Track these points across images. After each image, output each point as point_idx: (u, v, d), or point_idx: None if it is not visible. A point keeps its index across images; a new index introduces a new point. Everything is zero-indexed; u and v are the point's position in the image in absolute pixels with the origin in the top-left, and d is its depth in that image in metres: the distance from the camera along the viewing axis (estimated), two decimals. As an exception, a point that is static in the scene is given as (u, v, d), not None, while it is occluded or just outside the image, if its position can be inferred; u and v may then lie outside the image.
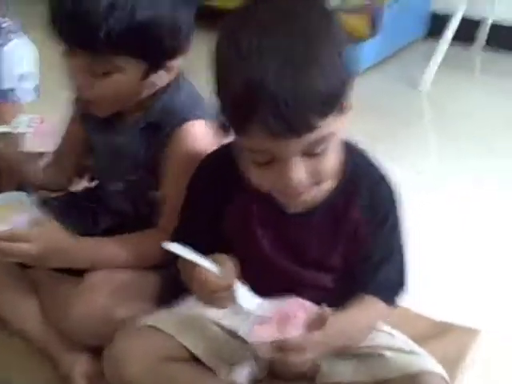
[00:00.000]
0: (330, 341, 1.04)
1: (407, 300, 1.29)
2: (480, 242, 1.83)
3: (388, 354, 1.13)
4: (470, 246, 1.81)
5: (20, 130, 1.50)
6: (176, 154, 1.29)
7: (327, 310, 1.03)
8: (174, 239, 1.18)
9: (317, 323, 1.02)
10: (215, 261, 1.04)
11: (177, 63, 1.27)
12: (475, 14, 3.04)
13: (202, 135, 1.29)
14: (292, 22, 0.96)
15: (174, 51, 1.25)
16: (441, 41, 2.83)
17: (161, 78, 1.28)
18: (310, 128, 0.94)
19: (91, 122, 1.40)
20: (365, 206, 1.13)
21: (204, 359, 1.15)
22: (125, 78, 1.23)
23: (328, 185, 1.09)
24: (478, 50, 3.13)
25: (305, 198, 1.05)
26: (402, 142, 2.39)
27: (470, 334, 1.44)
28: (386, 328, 1.23)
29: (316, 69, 0.93)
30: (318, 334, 1.01)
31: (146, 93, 1.30)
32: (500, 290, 1.63)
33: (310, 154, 0.98)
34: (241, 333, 1.13)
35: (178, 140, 1.29)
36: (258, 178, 1.04)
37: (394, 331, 1.22)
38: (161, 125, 1.31)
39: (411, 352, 1.14)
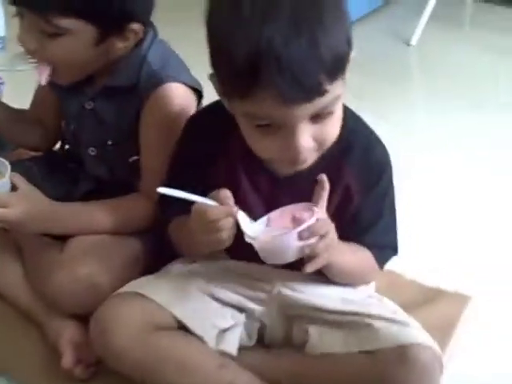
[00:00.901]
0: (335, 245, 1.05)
1: (398, 266, 1.30)
2: (471, 205, 1.81)
3: (378, 324, 1.11)
4: (461, 210, 1.79)
5: None
6: (153, 118, 1.27)
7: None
8: (163, 202, 1.19)
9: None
10: (211, 198, 1.03)
11: (135, 31, 1.23)
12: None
13: (177, 98, 1.27)
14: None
15: (125, 16, 1.20)
16: None
17: (117, 45, 1.24)
18: (322, 92, 0.93)
19: (59, 88, 1.37)
20: (357, 168, 1.13)
21: (192, 328, 1.14)
22: (75, 42, 1.20)
23: None
24: (469, 3, 3.08)
25: (306, 165, 1.04)
26: (389, 99, 2.36)
27: (461, 299, 1.43)
28: (377, 295, 1.22)
29: (324, 30, 0.92)
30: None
31: (104, 59, 1.26)
32: (490, 256, 1.61)
33: (316, 119, 0.97)
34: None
35: (154, 104, 1.26)
36: (260, 145, 1.02)
37: (384, 299, 1.21)
38: (133, 88, 1.28)
39: (401, 322, 1.12)
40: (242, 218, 1.02)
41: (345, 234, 1.10)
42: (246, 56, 0.91)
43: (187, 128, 1.21)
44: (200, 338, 1.13)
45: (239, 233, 1.04)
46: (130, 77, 1.28)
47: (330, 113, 0.99)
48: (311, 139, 0.99)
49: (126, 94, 1.28)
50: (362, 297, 1.20)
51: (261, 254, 1.03)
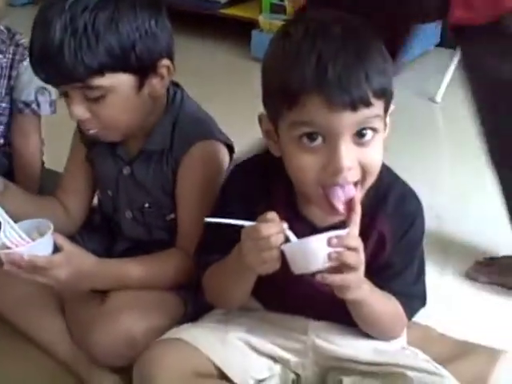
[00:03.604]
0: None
1: (431, 320, 1.31)
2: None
3: (411, 374, 1.13)
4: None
5: None
6: (188, 177, 1.33)
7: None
8: (201, 252, 1.23)
9: None
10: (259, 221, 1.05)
11: (166, 66, 1.29)
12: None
13: (210, 155, 1.33)
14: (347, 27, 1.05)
15: (152, 55, 1.26)
16: (453, 52, 2.75)
17: (156, 86, 1.29)
18: (366, 102, 1.00)
19: (96, 154, 1.42)
20: (391, 217, 1.16)
21: (232, 377, 1.16)
22: (119, 96, 1.25)
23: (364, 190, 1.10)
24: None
25: (347, 197, 1.06)
26: (413, 154, 2.38)
27: (494, 354, 1.43)
28: (410, 348, 1.24)
29: (373, 56, 1.03)
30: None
31: (151, 105, 1.31)
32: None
33: (359, 140, 1.02)
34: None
35: (188, 164, 1.32)
36: (302, 164, 1.04)
37: (417, 351, 1.23)
38: (168, 150, 1.33)
39: (434, 373, 1.14)
40: (291, 234, 1.05)
41: (376, 281, 1.12)
42: (296, 68, 1.00)
43: (229, 180, 1.25)
44: None
45: (278, 281, 1.06)
46: (164, 140, 1.33)
47: (373, 130, 1.03)
48: (355, 159, 1.02)
49: (162, 157, 1.34)
50: (394, 348, 1.22)
51: (290, 262, 1.03)
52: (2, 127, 1.84)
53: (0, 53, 1.77)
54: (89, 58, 1.19)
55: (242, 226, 1.06)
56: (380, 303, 1.15)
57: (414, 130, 2.58)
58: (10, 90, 1.77)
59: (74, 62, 1.18)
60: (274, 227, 1.03)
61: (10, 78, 1.77)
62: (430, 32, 3.24)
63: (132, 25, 1.22)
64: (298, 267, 1.03)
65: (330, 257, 1.00)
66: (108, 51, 1.20)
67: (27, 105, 1.77)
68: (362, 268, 1.04)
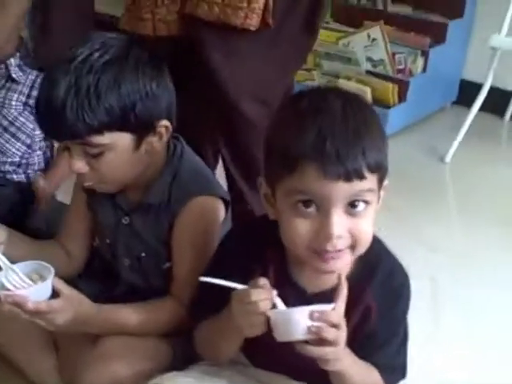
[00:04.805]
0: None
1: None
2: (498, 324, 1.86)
3: None
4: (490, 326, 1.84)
5: None
6: (184, 230, 1.38)
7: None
8: (194, 306, 1.29)
9: None
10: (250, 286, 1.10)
11: (165, 126, 1.33)
12: (505, 85, 3.11)
13: (206, 210, 1.39)
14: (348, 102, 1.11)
15: (151, 116, 1.31)
16: (468, 110, 2.83)
17: (154, 144, 1.34)
18: (361, 175, 1.05)
19: (96, 201, 1.47)
20: (379, 291, 1.19)
21: None
22: (118, 153, 1.30)
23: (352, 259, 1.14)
24: (506, 122, 3.17)
25: (336, 266, 1.10)
26: (420, 215, 2.41)
27: None
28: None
29: (369, 131, 1.08)
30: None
31: (148, 160, 1.36)
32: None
33: (351, 211, 1.07)
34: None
35: (186, 217, 1.37)
36: (296, 230, 1.09)
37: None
38: (167, 203, 1.38)
39: None
40: (279, 302, 1.09)
41: (358, 352, 1.15)
42: (297, 137, 1.05)
43: (227, 240, 1.30)
44: None
45: (265, 341, 1.10)
46: (163, 194, 1.38)
47: (366, 203, 1.07)
48: (345, 229, 1.07)
49: (160, 210, 1.39)
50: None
51: (273, 328, 1.08)
52: (19, 144, 1.94)
53: (21, 71, 1.92)
54: (89, 117, 1.23)
55: (234, 288, 1.11)
56: (361, 375, 1.17)
57: (421, 191, 2.61)
58: (31, 110, 1.90)
59: (75, 120, 1.23)
60: (263, 293, 1.08)
61: (29, 96, 1.91)
62: (447, 88, 3.31)
63: (134, 87, 1.27)
64: (280, 334, 1.08)
65: (309, 330, 1.04)
66: (108, 111, 1.25)
67: None
68: (342, 344, 1.08)
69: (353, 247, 1.09)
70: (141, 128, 1.30)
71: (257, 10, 1.56)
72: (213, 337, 1.24)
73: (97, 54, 1.26)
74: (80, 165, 1.30)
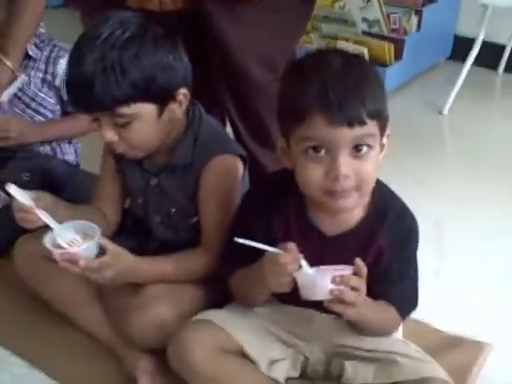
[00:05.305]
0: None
1: (421, 314, 1.45)
2: (494, 259, 1.95)
3: (403, 360, 1.32)
4: (484, 262, 1.93)
5: None
6: (208, 186, 1.52)
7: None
8: (226, 257, 1.42)
9: None
10: (280, 248, 1.23)
11: (184, 94, 1.45)
12: (497, 39, 3.18)
13: (227, 167, 1.52)
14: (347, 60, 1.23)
15: (171, 86, 1.43)
16: (463, 65, 2.91)
17: (176, 111, 1.46)
18: (361, 121, 1.16)
19: (125, 166, 1.60)
20: (390, 232, 1.32)
21: (251, 355, 1.35)
22: (143, 122, 1.42)
23: (363, 201, 1.28)
24: (499, 74, 3.26)
25: (345, 204, 1.23)
26: (421, 165, 2.50)
27: (480, 347, 1.56)
28: (402, 339, 1.42)
29: (369, 84, 1.19)
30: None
31: (171, 126, 1.48)
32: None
33: (356, 153, 1.19)
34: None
35: (208, 175, 1.51)
36: (309, 173, 1.21)
37: (408, 341, 1.40)
38: (190, 164, 1.51)
39: (423, 360, 1.32)
40: (305, 265, 1.22)
41: (373, 289, 1.28)
42: (303, 92, 1.18)
43: (248, 195, 1.44)
44: (256, 364, 1.35)
45: (292, 290, 1.24)
46: (186, 155, 1.52)
47: (368, 147, 1.20)
48: (351, 170, 1.19)
49: (185, 170, 1.52)
50: (390, 339, 1.40)
51: (300, 288, 1.22)
52: (42, 119, 2.06)
53: (37, 48, 2.03)
54: (116, 90, 1.35)
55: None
56: (378, 317, 1.31)
57: (421, 142, 2.70)
58: (49, 85, 2.02)
59: (103, 94, 1.35)
60: (290, 257, 1.21)
61: (46, 71, 2.03)
62: (441, 44, 3.38)
63: (153, 60, 1.38)
64: (305, 294, 1.22)
65: (331, 292, 1.18)
66: (132, 84, 1.36)
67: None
68: (361, 303, 1.21)
69: (358, 188, 1.22)
70: (162, 97, 1.43)
71: None
72: (246, 287, 1.38)
73: (118, 32, 1.37)
74: (110, 134, 1.42)
